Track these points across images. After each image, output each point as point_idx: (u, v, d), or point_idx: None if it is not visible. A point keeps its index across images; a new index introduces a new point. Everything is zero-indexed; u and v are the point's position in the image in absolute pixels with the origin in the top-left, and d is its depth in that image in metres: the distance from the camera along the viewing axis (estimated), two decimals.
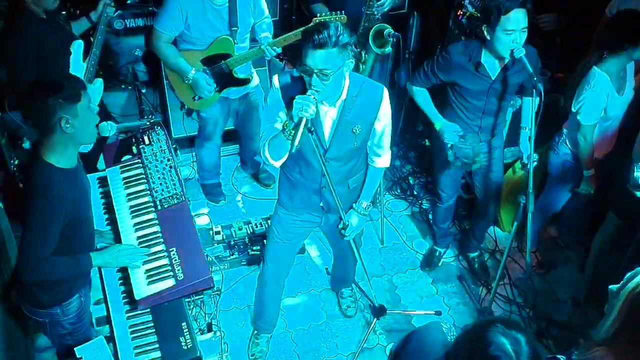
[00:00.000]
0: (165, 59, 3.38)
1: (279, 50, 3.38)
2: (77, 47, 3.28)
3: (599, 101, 2.93)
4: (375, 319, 3.31)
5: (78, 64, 3.30)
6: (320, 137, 2.39)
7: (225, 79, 3.47)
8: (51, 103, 2.11)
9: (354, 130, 2.39)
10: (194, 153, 4.11)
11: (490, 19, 2.76)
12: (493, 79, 2.93)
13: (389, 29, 3.39)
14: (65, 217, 2.18)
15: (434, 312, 3.45)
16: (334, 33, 2.11)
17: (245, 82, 3.57)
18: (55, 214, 2.16)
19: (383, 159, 2.63)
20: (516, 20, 2.70)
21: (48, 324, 2.42)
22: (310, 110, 2.16)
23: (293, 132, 2.18)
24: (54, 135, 2.16)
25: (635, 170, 2.44)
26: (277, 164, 2.45)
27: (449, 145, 3.02)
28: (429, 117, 3.11)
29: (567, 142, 3.24)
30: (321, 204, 2.66)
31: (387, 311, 3.30)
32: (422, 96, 3.12)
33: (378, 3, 3.42)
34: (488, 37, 2.81)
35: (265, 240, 3.65)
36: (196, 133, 4.07)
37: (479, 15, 3.62)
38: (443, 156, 3.30)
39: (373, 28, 3.42)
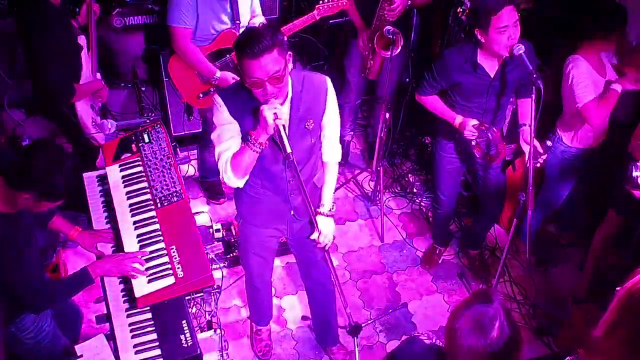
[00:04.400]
0: (191, 60, 3.32)
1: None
2: (83, 41, 3.29)
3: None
4: (355, 337, 3.11)
5: (86, 59, 3.31)
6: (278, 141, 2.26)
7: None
8: (30, 187, 2.10)
9: (307, 126, 2.34)
10: (193, 151, 4.11)
11: (480, 22, 2.76)
12: (492, 76, 2.93)
13: (387, 27, 3.39)
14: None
15: (400, 305, 3.50)
16: (269, 35, 2.03)
17: None
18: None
19: (336, 152, 2.55)
20: (507, 16, 2.70)
21: (11, 344, 2.40)
22: (285, 115, 2.13)
23: (279, 140, 2.13)
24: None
25: (634, 170, 2.43)
26: (242, 181, 2.35)
27: (473, 143, 3.00)
28: (445, 118, 3.08)
29: (563, 139, 3.27)
30: (291, 212, 2.57)
31: (362, 325, 3.13)
32: (432, 102, 3.11)
33: (390, 7, 3.41)
34: (483, 40, 2.80)
35: None
36: (195, 131, 4.07)
37: None
38: (444, 162, 3.30)
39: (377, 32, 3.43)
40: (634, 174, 2.42)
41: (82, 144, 3.37)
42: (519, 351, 1.61)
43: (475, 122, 2.97)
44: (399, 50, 3.44)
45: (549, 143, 2.95)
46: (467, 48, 2.92)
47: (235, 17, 3.30)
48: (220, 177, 2.35)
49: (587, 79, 3.02)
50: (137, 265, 2.38)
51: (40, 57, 3.01)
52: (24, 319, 2.38)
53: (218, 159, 2.33)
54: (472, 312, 1.58)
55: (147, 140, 2.88)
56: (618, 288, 1.76)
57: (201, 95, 3.49)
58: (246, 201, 2.60)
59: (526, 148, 2.98)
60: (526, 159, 2.96)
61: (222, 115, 2.26)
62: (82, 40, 3.30)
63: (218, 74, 3.33)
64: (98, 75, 3.46)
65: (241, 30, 3.39)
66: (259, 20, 3.51)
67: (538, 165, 2.99)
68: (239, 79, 3.31)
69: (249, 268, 2.94)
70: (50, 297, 2.32)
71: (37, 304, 2.32)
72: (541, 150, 2.95)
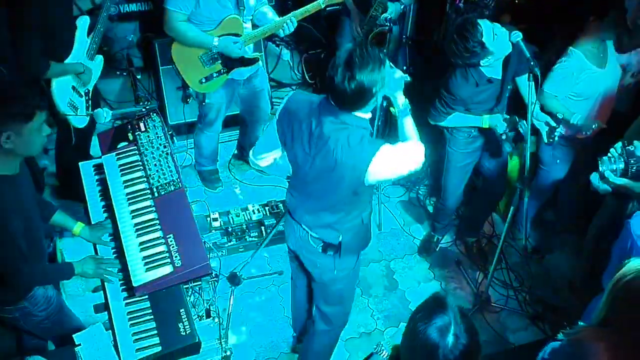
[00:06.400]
0: (185, 36, 3.29)
1: (296, 24, 3.32)
2: (83, 22, 3.25)
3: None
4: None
5: (82, 40, 3.27)
6: None
7: (234, 60, 3.42)
8: None
9: None
10: (190, 140, 4.09)
11: (481, 54, 2.78)
12: (500, 78, 2.97)
13: (385, 14, 3.38)
14: (20, 223, 2.13)
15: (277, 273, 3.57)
16: None
17: (254, 61, 3.52)
18: (13, 225, 2.09)
19: None
20: (488, 27, 2.74)
21: (20, 318, 2.41)
22: None
23: None
24: None
25: (600, 165, 2.44)
26: None
27: (504, 137, 3.00)
28: (472, 125, 3.09)
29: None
30: None
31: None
32: (453, 120, 3.10)
33: (384, 16, 3.41)
34: (489, 63, 2.84)
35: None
36: (192, 120, 4.05)
37: (476, 0, 3.61)
38: (457, 159, 3.31)
39: (372, 34, 3.43)
40: (601, 168, 2.43)
41: (60, 122, 3.34)
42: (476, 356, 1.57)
43: (503, 116, 2.99)
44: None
45: (559, 115, 2.95)
46: (471, 73, 2.91)
47: (239, 3, 3.27)
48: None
49: (569, 75, 3.04)
50: (112, 269, 2.43)
51: (16, 28, 2.97)
52: (34, 293, 2.38)
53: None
54: (428, 320, 1.53)
55: (143, 129, 2.86)
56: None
57: (204, 80, 3.46)
58: (367, 230, 2.54)
59: (540, 125, 3.02)
60: (544, 134, 3.00)
61: None
62: (84, 20, 3.25)
63: (216, 41, 3.29)
64: (97, 59, 3.41)
65: (246, 17, 3.35)
66: (269, 6, 3.48)
67: (553, 141, 3.03)
68: (238, 41, 3.28)
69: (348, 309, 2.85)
70: (29, 279, 2.28)
71: (15, 284, 2.26)
72: (555, 124, 2.96)
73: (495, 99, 3.04)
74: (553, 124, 2.96)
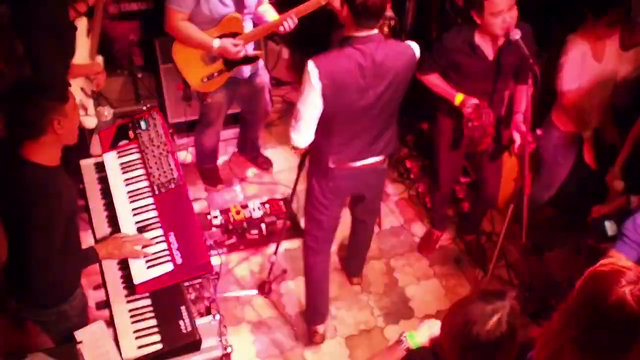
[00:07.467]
0: (188, 36, 3.27)
1: (296, 21, 3.29)
2: (82, 23, 3.25)
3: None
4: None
5: (83, 40, 3.27)
6: None
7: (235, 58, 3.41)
8: (44, 104, 2.06)
9: None
10: (191, 138, 4.09)
11: (475, 4, 2.77)
12: (490, 59, 2.93)
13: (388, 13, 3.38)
14: (63, 216, 2.15)
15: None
16: None
17: (255, 59, 3.52)
18: (58, 213, 2.12)
19: None
20: (500, 2, 2.71)
21: (55, 322, 2.37)
22: None
23: None
24: (43, 137, 2.10)
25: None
26: None
27: (469, 124, 2.98)
28: (446, 97, 3.07)
29: (557, 124, 3.30)
30: None
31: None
32: (433, 80, 3.10)
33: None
34: (479, 22, 2.82)
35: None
36: (193, 118, 4.05)
37: None
38: (443, 144, 3.30)
39: None
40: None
41: None
42: (506, 353, 1.58)
43: (475, 101, 2.96)
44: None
45: (538, 132, 2.95)
46: (465, 29, 2.93)
47: (240, 1, 3.26)
48: None
49: (577, 64, 3.02)
50: (138, 247, 2.39)
51: (30, 33, 2.94)
52: (76, 296, 2.37)
53: None
54: (482, 300, 1.56)
55: (143, 127, 2.87)
56: None
57: (205, 79, 3.47)
58: None
59: (517, 136, 2.99)
60: (516, 146, 2.99)
61: None
62: (81, 22, 3.25)
63: (216, 43, 3.27)
64: (98, 59, 3.42)
65: (246, 16, 3.35)
66: (267, 5, 3.47)
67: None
68: (239, 43, 3.29)
69: None
70: (59, 271, 2.23)
71: (43, 277, 2.19)
72: (530, 139, 2.93)
73: (484, 81, 3.00)
74: (529, 139, 2.94)
